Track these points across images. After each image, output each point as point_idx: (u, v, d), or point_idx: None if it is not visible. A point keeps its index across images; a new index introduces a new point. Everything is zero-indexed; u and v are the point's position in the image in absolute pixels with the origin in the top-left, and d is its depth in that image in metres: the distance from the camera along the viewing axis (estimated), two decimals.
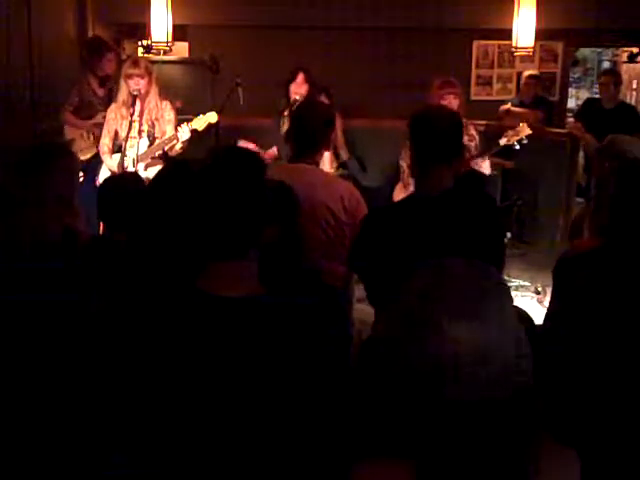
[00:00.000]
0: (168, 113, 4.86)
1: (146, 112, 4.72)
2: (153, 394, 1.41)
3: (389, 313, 1.07)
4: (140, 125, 4.72)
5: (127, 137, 4.61)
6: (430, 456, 1.03)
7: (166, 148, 4.71)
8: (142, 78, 4.68)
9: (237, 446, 1.39)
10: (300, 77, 5.06)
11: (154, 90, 4.78)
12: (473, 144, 4.27)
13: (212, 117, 4.83)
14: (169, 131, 4.83)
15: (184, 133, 4.72)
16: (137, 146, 4.70)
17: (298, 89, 4.98)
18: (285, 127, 4.76)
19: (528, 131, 4.30)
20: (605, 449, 1.84)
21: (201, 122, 4.81)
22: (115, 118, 4.79)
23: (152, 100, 4.76)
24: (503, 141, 4.31)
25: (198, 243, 1.48)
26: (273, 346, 1.41)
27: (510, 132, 4.33)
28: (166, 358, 1.41)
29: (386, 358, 1.04)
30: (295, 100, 4.84)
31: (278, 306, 1.46)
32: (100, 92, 5.74)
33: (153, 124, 4.78)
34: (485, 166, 4.20)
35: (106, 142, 4.80)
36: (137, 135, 4.71)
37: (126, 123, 4.66)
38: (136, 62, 4.85)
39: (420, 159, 2.43)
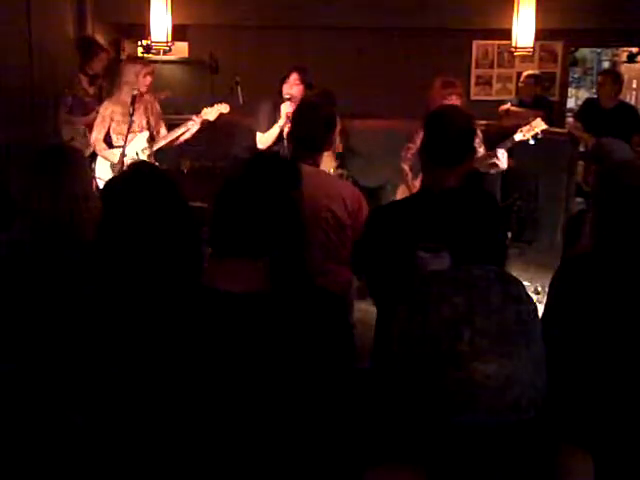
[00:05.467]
0: (158, 107, 4.97)
1: (142, 107, 4.77)
2: (156, 390, 1.41)
3: (413, 331, 1.03)
4: (140, 120, 4.77)
5: (128, 132, 4.65)
6: (441, 464, 1.03)
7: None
8: (152, 74, 4.76)
9: (244, 446, 1.39)
10: (293, 77, 4.90)
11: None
12: (477, 141, 4.24)
13: (224, 107, 4.88)
14: (162, 125, 4.94)
15: (194, 125, 4.78)
16: (138, 140, 4.76)
17: (290, 90, 4.84)
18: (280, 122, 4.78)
19: (543, 126, 4.23)
20: (614, 448, 1.84)
21: (213, 112, 4.87)
22: (111, 115, 4.82)
23: (147, 95, 4.82)
24: (518, 136, 4.24)
25: (216, 241, 1.50)
26: (275, 343, 1.41)
27: (525, 127, 4.26)
28: (170, 352, 1.42)
29: (405, 378, 1.03)
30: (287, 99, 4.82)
31: (283, 304, 1.47)
32: (91, 90, 5.77)
33: (149, 118, 4.84)
34: (503, 160, 4.14)
35: (100, 137, 4.84)
36: (138, 129, 4.76)
37: (127, 118, 4.70)
38: (145, 61, 4.96)
39: (429, 159, 2.43)
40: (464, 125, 2.44)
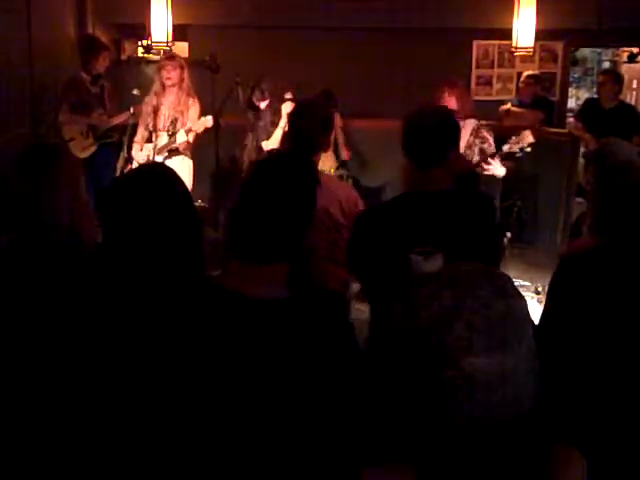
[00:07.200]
0: (193, 110, 4.91)
1: (164, 107, 4.77)
2: (164, 393, 1.42)
3: (406, 330, 1.02)
4: (165, 119, 4.79)
5: (155, 129, 4.69)
6: (437, 462, 1.03)
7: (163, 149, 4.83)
8: (174, 69, 4.74)
9: (247, 445, 1.39)
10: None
11: (184, 86, 4.83)
12: (486, 145, 4.21)
13: (208, 122, 4.89)
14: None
15: (180, 137, 4.79)
16: (159, 139, 4.83)
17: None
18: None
19: (531, 139, 4.18)
20: (608, 447, 1.84)
21: (199, 125, 4.88)
22: (147, 111, 4.88)
23: (176, 95, 4.80)
24: (505, 148, 4.19)
25: (238, 245, 1.48)
26: (294, 349, 1.40)
27: (513, 139, 4.24)
28: (190, 355, 1.41)
29: (397, 376, 1.03)
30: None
31: (301, 310, 1.47)
32: (94, 90, 5.78)
33: (175, 119, 4.82)
34: (494, 170, 4.11)
35: (138, 138, 4.93)
36: (162, 128, 4.77)
37: (157, 114, 4.75)
38: (171, 55, 5.10)
39: (408, 160, 2.44)
40: (436, 124, 2.39)
